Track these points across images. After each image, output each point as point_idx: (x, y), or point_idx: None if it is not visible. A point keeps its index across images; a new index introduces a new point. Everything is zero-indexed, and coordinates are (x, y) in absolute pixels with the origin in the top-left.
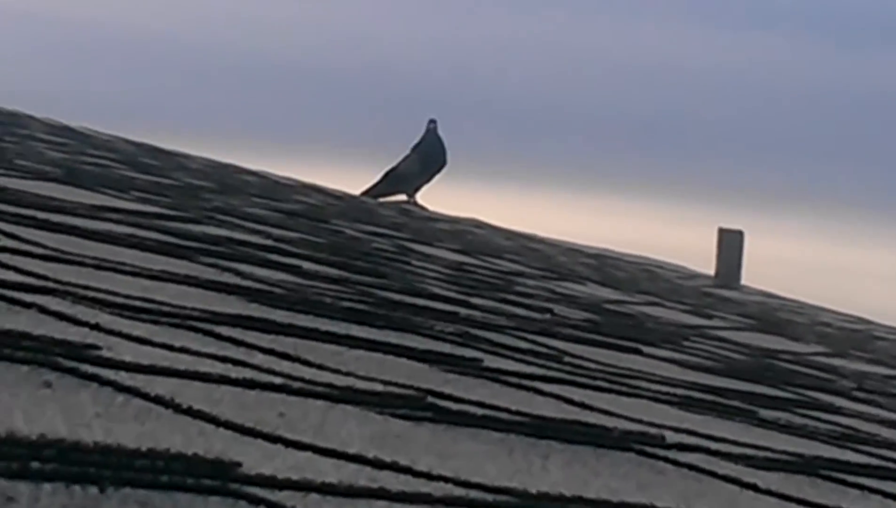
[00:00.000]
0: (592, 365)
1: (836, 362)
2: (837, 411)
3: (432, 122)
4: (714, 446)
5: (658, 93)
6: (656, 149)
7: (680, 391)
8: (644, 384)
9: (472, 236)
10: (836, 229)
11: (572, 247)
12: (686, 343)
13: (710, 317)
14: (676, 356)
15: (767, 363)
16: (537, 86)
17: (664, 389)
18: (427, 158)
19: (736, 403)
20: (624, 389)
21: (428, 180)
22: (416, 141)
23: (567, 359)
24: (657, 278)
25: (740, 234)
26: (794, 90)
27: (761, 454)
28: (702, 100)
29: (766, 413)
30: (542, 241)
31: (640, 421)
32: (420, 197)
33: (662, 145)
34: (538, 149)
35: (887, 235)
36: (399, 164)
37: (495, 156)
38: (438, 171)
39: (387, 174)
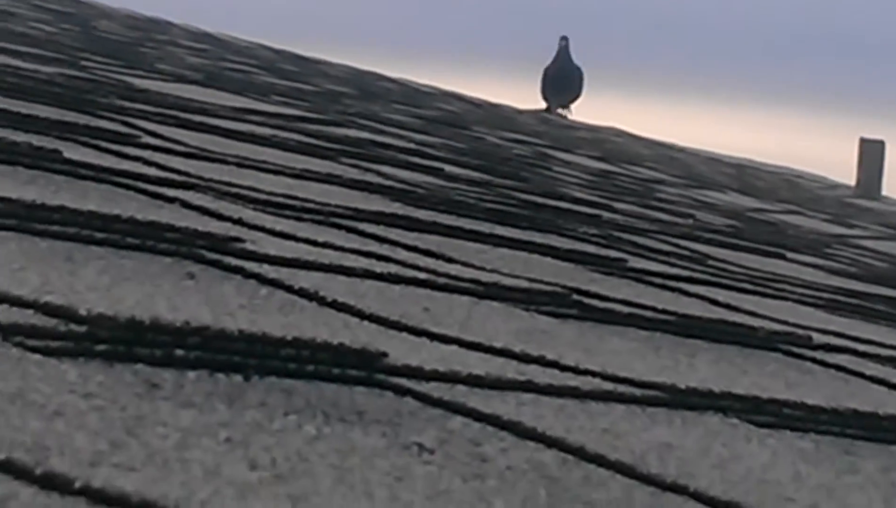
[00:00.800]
0: (736, 268)
1: None
2: None
3: (564, 39)
4: (861, 348)
5: (798, 3)
6: (797, 61)
7: (825, 295)
8: (788, 287)
9: (611, 145)
10: None
11: (712, 157)
12: (828, 250)
13: (850, 226)
14: (819, 261)
15: None
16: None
17: (809, 292)
18: (554, 81)
19: (881, 307)
20: (768, 291)
21: (563, 99)
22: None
23: (710, 262)
24: (798, 187)
25: (882, 144)
26: None
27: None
28: (845, 10)
29: None
30: (681, 150)
31: (785, 323)
32: (569, 110)
33: (804, 57)
34: (676, 60)
35: None
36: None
37: (634, 66)
38: (570, 90)
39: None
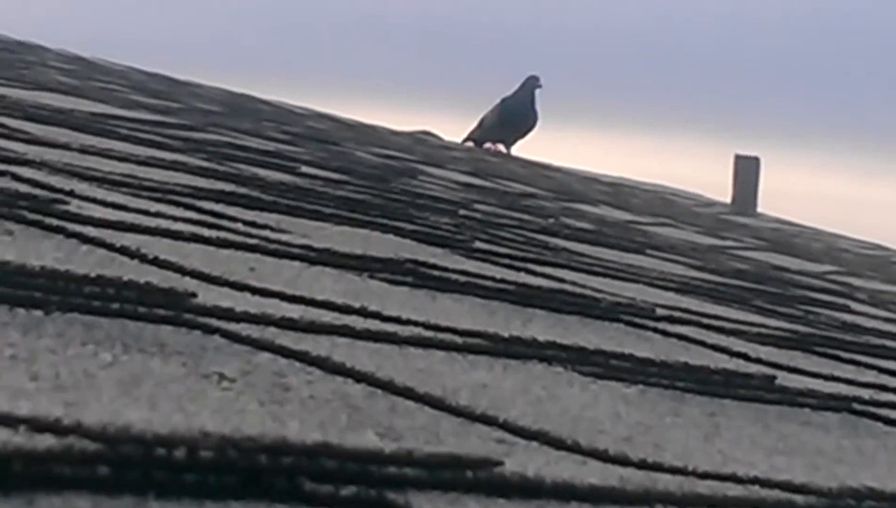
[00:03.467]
0: (590, 258)
1: (850, 279)
2: (842, 308)
3: (532, 78)
4: (707, 321)
5: (676, 25)
6: (675, 83)
7: (677, 281)
8: (642, 274)
9: (485, 163)
10: (857, 160)
11: (589, 176)
12: (695, 254)
13: (723, 238)
14: (683, 259)
15: (775, 274)
16: (552, 17)
17: (662, 279)
18: (506, 115)
19: (736, 292)
20: (620, 275)
21: (510, 136)
22: (508, 93)
23: (564, 253)
24: (673, 204)
25: (756, 160)
26: (815, 23)
27: (755, 330)
28: (722, 31)
29: (765, 304)
30: (558, 169)
31: (632, 299)
32: (512, 148)
33: (679, 78)
34: (559, 84)
35: None
36: (486, 113)
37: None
38: (520, 129)
39: (480, 123)
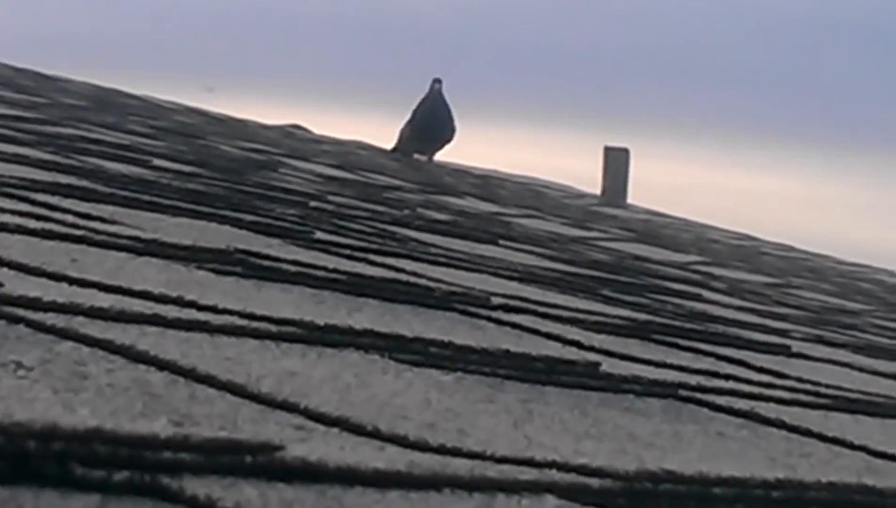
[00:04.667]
0: (438, 249)
1: (713, 269)
2: (693, 297)
3: (437, 81)
4: (544, 310)
5: (549, 18)
6: (547, 76)
7: (522, 271)
8: (489, 264)
9: (353, 156)
10: (737, 152)
11: (460, 168)
12: (554, 245)
13: (589, 229)
14: (539, 250)
15: (634, 264)
16: (431, 10)
17: (507, 269)
18: (420, 124)
19: (583, 282)
20: (463, 265)
21: (428, 145)
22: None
23: (412, 243)
24: (542, 196)
25: (626, 152)
26: (686, 16)
27: (593, 318)
28: (593, 24)
29: (612, 293)
30: (429, 162)
31: (469, 288)
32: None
33: (552, 71)
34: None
35: (779, 158)
36: (403, 126)
37: (389, 82)
38: (438, 138)
39: (400, 136)
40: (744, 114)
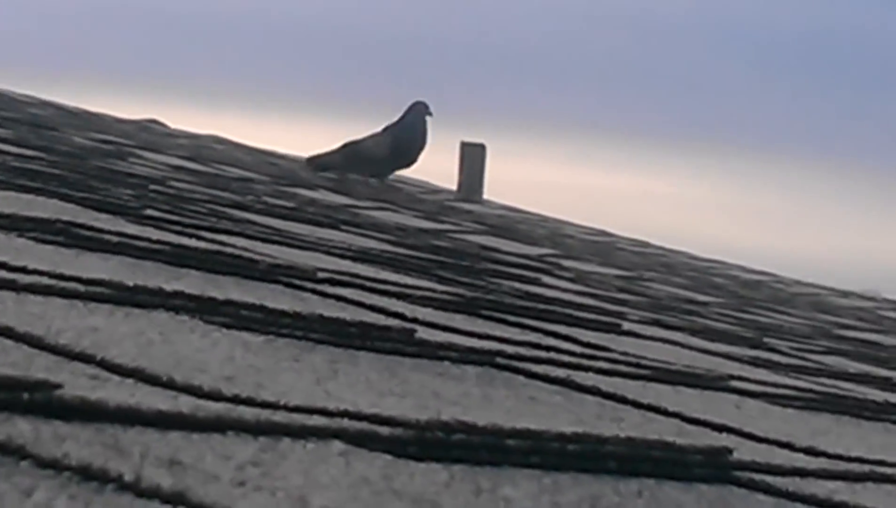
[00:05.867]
0: (274, 231)
1: (563, 261)
2: (532, 281)
3: (419, 103)
4: (372, 285)
5: (404, 12)
6: (402, 71)
7: (360, 251)
8: (324, 245)
9: (208, 151)
10: (588, 151)
11: None
12: (399, 233)
13: (442, 222)
14: (378, 235)
15: (481, 253)
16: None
17: (341, 249)
18: (400, 144)
19: (420, 263)
20: (297, 244)
21: (397, 169)
22: (394, 119)
23: (248, 223)
24: (398, 191)
25: (482, 147)
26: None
27: (419, 293)
28: (451, 20)
29: (448, 274)
30: (284, 158)
31: (297, 263)
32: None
33: (407, 68)
34: (284, 73)
35: (642, 158)
36: (364, 140)
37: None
38: (411, 162)
39: (346, 146)
40: (605, 113)
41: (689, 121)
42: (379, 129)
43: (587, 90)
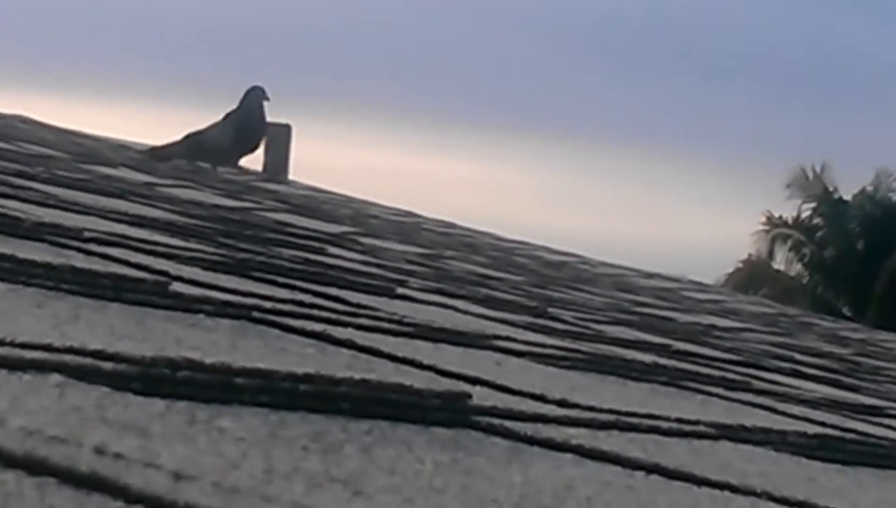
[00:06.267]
0: (49, 196)
1: (364, 239)
2: (317, 251)
3: (256, 88)
4: (140, 245)
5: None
6: (209, 55)
7: (134, 216)
8: (98, 210)
9: (13, 130)
10: (416, 136)
11: (124, 144)
12: (194, 208)
13: (242, 200)
14: (166, 207)
15: (274, 226)
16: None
17: (118, 213)
18: (242, 132)
19: (200, 230)
20: (70, 209)
21: (242, 156)
22: (232, 107)
23: (28, 190)
24: (203, 172)
25: (288, 127)
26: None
27: (189, 254)
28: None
29: (227, 240)
30: (89, 137)
31: (64, 224)
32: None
33: (217, 51)
34: (97, 56)
35: (458, 143)
36: (206, 130)
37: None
38: (255, 147)
39: (188, 137)
40: (420, 98)
41: (505, 107)
42: (220, 117)
43: (402, 76)
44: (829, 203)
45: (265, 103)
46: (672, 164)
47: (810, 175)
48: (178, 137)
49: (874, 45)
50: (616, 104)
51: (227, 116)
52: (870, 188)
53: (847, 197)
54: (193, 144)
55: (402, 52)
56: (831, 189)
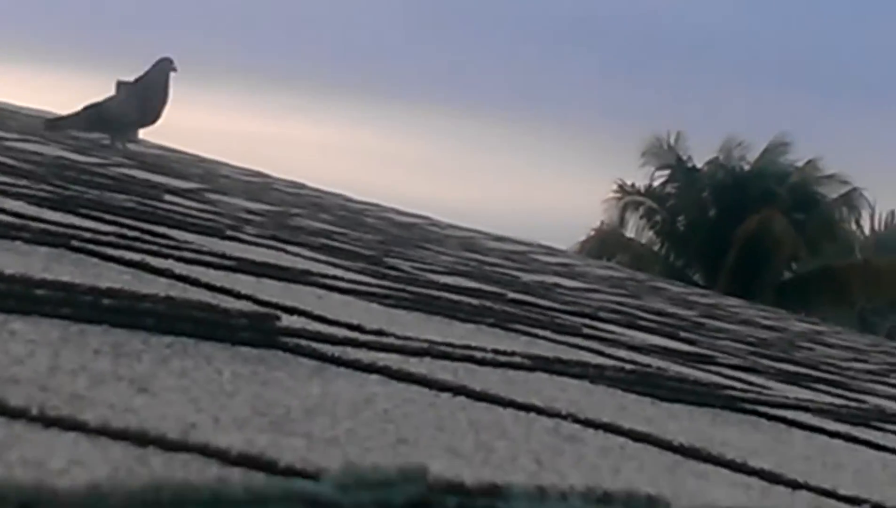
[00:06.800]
0: None
1: (214, 196)
2: (153, 197)
3: (165, 60)
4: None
5: None
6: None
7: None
8: None
9: None
10: (255, 100)
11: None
12: (38, 166)
13: (91, 156)
14: (9, 162)
15: (117, 176)
16: None
17: None
18: (143, 103)
19: (31, 172)
20: None
21: (142, 126)
22: (134, 77)
23: None
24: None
25: None
26: None
27: (14, 190)
28: None
29: (59, 184)
30: None
31: None
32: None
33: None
34: None
35: (306, 106)
36: (106, 101)
37: None
38: (155, 119)
39: (88, 108)
40: (272, 62)
41: (351, 70)
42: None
43: (259, 40)
44: (682, 171)
45: (171, 74)
46: (533, 134)
47: (665, 145)
48: (77, 109)
49: (728, 16)
50: (474, 72)
51: (128, 85)
52: (720, 156)
53: (700, 166)
54: (94, 115)
55: (258, 16)
56: (685, 158)
